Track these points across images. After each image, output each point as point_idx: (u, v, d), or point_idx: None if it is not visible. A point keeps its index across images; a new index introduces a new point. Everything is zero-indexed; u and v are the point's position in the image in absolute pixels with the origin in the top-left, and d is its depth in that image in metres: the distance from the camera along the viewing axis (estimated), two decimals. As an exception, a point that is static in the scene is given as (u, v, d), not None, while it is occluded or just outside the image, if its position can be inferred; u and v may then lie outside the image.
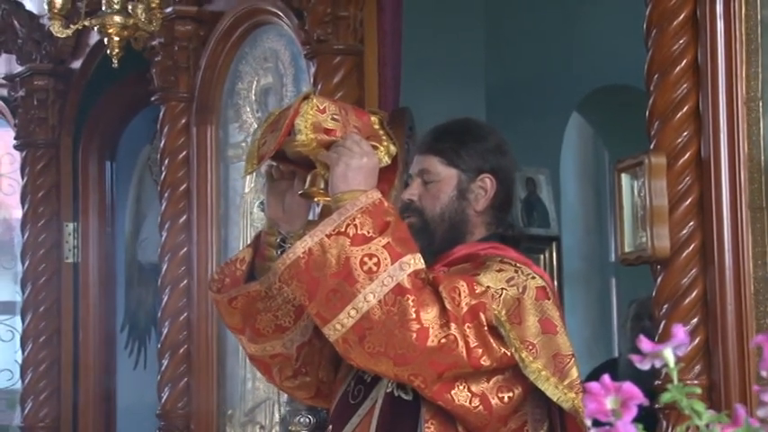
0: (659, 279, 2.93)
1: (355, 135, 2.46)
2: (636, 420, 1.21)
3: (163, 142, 4.67)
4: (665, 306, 2.90)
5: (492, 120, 6.25)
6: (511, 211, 2.67)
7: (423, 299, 2.32)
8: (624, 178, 3.01)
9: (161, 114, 4.69)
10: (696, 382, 2.82)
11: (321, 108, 2.46)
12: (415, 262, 2.35)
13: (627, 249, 3.01)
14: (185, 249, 4.58)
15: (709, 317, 2.86)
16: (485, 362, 2.35)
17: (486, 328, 2.36)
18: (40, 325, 5.32)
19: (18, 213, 5.60)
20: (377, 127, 2.53)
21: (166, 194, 4.63)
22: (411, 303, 2.30)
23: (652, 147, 2.96)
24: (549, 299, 2.44)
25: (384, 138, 2.51)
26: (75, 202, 5.43)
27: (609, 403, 1.20)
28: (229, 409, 4.46)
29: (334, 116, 2.46)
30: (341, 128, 2.45)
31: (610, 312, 7.77)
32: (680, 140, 2.92)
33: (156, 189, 5.03)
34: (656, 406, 2.74)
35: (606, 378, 1.22)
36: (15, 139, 5.51)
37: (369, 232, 2.35)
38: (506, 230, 2.63)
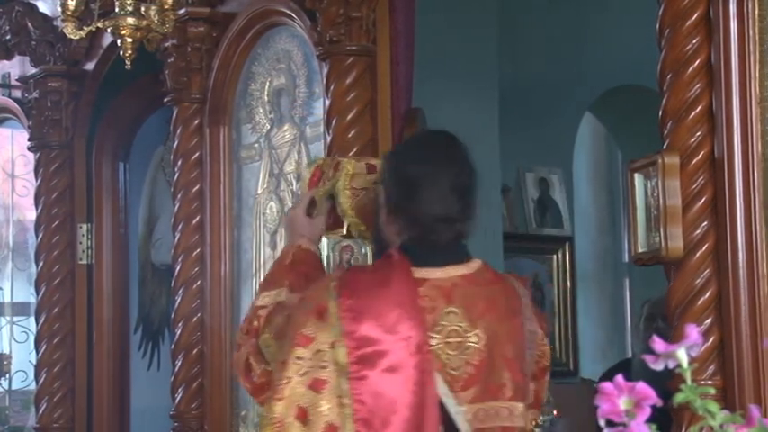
0: (673, 279, 2.93)
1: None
2: (650, 420, 1.21)
3: (176, 143, 4.68)
4: (679, 306, 2.90)
5: (505, 120, 6.25)
6: (417, 218, 2.66)
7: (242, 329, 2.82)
8: (637, 178, 3.01)
9: (174, 116, 4.70)
10: (710, 382, 2.82)
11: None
12: (261, 300, 2.79)
13: (640, 249, 3.00)
14: (198, 250, 4.58)
15: (723, 317, 2.86)
16: (258, 379, 2.74)
17: (255, 350, 2.74)
18: (55, 326, 5.34)
19: (32, 215, 5.61)
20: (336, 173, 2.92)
21: (179, 195, 4.63)
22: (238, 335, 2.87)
23: (665, 147, 2.95)
24: (300, 309, 2.67)
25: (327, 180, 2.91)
26: (88, 204, 5.44)
27: (622, 404, 1.20)
28: (243, 410, 4.46)
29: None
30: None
31: (623, 313, 7.76)
32: (693, 140, 2.91)
33: (169, 190, 5.04)
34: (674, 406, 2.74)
35: (620, 378, 1.22)
36: (29, 140, 5.52)
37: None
38: (413, 239, 2.67)
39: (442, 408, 2.56)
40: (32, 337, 5.53)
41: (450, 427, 2.57)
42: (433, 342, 2.60)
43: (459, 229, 2.67)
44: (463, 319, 2.62)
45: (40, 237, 5.40)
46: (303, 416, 2.58)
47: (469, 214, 2.69)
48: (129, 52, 3.89)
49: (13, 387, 5.83)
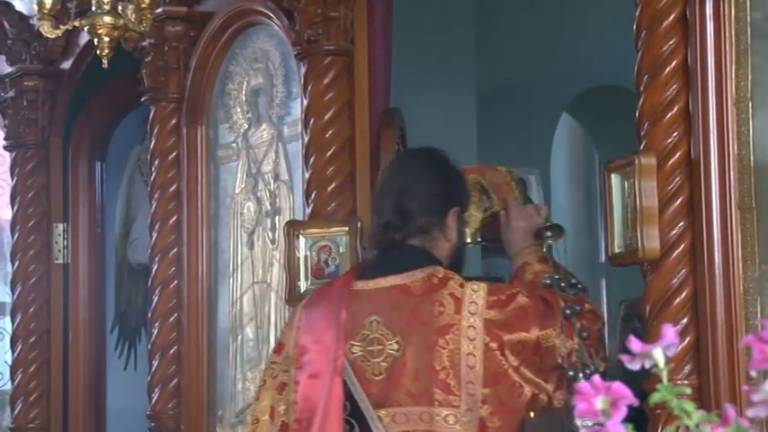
0: (649, 279, 2.94)
1: None
2: (626, 420, 1.21)
3: (153, 143, 4.66)
4: (655, 306, 2.91)
5: (483, 121, 6.27)
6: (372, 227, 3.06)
7: None
8: (614, 179, 3.01)
9: (151, 115, 4.68)
10: (686, 382, 2.83)
11: None
12: None
13: (617, 250, 3.01)
14: (175, 250, 4.57)
15: (699, 317, 2.87)
16: None
17: None
18: (30, 326, 5.31)
19: (8, 214, 5.58)
20: None
21: (156, 195, 4.62)
22: None
23: (642, 147, 2.96)
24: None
25: None
26: (65, 203, 5.42)
27: (599, 403, 1.20)
28: (219, 410, 4.45)
29: None
30: None
31: (600, 313, 7.77)
32: (670, 141, 2.92)
33: (146, 190, 5.03)
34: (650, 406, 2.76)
35: (596, 378, 1.22)
36: (5, 139, 5.49)
37: None
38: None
39: (360, 412, 2.80)
40: (8, 337, 5.51)
41: (368, 430, 2.79)
42: (356, 350, 2.82)
43: (398, 237, 2.87)
44: (385, 327, 2.81)
45: (16, 236, 5.37)
46: (274, 415, 2.89)
47: (408, 223, 2.88)
48: (106, 51, 3.87)
49: (-11, 387, 5.80)
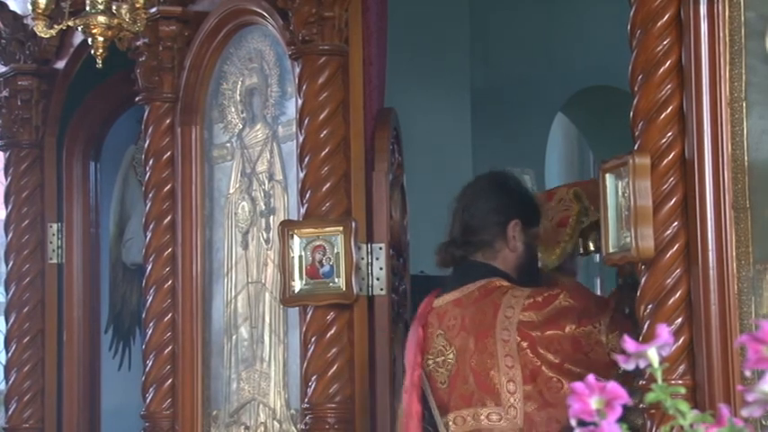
0: (643, 279, 2.94)
1: None
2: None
3: (147, 143, 4.66)
4: (650, 306, 2.91)
5: (477, 121, 6.27)
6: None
7: None
8: (609, 178, 3.02)
9: (145, 115, 4.68)
10: (680, 382, 2.83)
11: None
12: None
13: (611, 250, 3.01)
14: (170, 250, 4.57)
15: (694, 317, 2.87)
16: None
17: None
18: (25, 326, 5.30)
19: (2, 214, 5.58)
20: None
21: (151, 195, 4.62)
22: None
23: (636, 147, 2.97)
24: None
25: None
26: (59, 203, 5.41)
27: (593, 403, 1.20)
28: (214, 410, 4.45)
29: None
30: None
31: (594, 312, 7.78)
32: (664, 141, 2.93)
33: (140, 189, 5.02)
34: (641, 406, 2.76)
35: (591, 378, 1.22)
36: (-1, 139, 5.49)
37: None
38: None
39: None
40: (2, 337, 5.50)
41: None
42: (430, 362, 3.12)
43: (458, 254, 3.15)
44: (445, 339, 3.10)
45: (10, 236, 5.36)
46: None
47: (471, 238, 3.15)
48: (101, 51, 3.87)
49: (-17, 387, 5.79)
